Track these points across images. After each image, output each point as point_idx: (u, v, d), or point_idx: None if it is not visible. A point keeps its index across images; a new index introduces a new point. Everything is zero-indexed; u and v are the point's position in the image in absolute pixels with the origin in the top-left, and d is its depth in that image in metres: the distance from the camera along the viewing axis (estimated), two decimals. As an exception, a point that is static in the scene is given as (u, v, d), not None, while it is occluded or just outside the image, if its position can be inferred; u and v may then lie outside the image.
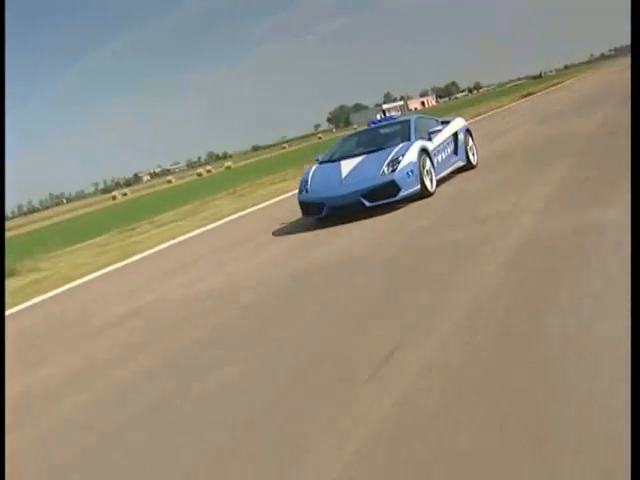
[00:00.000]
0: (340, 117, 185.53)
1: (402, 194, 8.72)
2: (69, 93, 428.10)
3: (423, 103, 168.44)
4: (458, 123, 11.32)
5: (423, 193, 8.98)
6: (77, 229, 27.85)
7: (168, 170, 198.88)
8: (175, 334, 5.25)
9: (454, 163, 10.61)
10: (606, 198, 5.83)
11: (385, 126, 10.72)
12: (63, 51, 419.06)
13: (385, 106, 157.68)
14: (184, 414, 3.55)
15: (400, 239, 6.80)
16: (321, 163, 10.03)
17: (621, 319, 3.00)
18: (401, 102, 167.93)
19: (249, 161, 77.87)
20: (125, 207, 41.87)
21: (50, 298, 8.79)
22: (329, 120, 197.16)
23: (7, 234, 48.00)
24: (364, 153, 9.56)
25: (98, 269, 10.30)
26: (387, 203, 8.70)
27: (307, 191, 9.25)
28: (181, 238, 11.83)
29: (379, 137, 10.29)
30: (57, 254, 14.81)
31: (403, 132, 9.88)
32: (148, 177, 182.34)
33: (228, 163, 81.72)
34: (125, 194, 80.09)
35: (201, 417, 3.45)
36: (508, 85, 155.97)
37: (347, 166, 9.23)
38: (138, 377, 4.38)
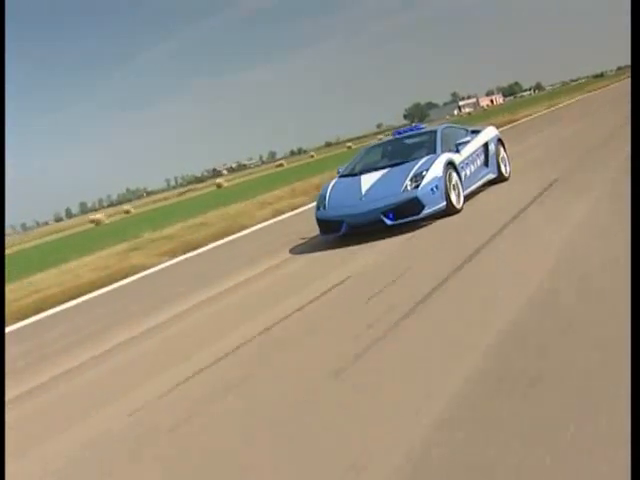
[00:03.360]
0: (415, 114, 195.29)
1: (426, 211, 8.10)
2: (119, 96, 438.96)
3: (492, 101, 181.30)
4: (489, 133, 10.62)
5: (449, 210, 8.34)
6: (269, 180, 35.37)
7: (244, 165, 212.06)
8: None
9: (484, 176, 9.94)
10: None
11: (410, 137, 10.09)
12: (120, 50, 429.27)
13: (461, 102, 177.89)
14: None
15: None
16: (341, 176, 9.47)
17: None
18: (474, 99, 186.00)
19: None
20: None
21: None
22: (405, 116, 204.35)
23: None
24: (387, 166, 8.96)
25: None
26: (410, 221, 8.12)
27: (325, 207, 8.69)
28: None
29: (403, 149, 9.68)
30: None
31: (429, 144, 9.25)
32: (225, 171, 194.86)
33: (349, 144, 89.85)
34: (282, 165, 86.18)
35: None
36: (572, 84, 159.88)
37: (368, 181, 8.64)
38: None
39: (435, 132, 9.55)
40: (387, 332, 4.20)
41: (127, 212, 59.69)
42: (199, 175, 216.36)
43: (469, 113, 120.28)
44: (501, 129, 15.70)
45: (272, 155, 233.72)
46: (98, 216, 56.81)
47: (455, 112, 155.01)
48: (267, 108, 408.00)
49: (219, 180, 68.26)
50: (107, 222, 51.15)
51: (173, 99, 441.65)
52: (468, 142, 9.54)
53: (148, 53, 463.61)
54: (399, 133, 10.58)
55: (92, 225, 52.39)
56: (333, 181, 9.29)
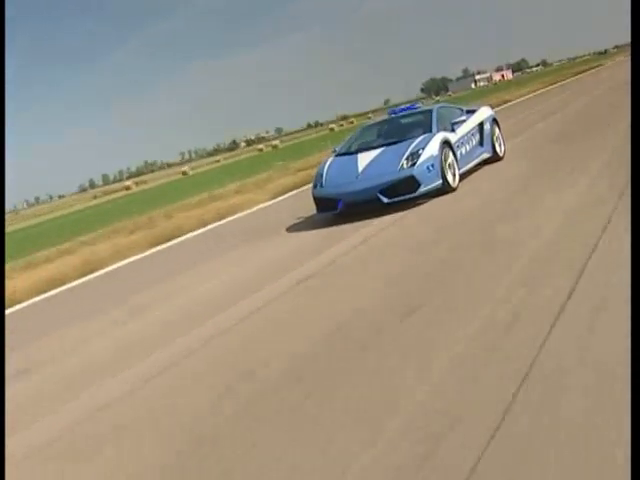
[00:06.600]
0: (432, 87, 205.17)
1: (422, 190, 8.20)
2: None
3: (503, 76, 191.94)
4: (484, 112, 10.70)
5: (445, 188, 8.44)
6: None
7: (263, 137, 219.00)
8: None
9: (479, 155, 10.02)
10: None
11: (406, 116, 10.15)
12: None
13: (477, 77, 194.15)
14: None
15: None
16: (338, 155, 9.54)
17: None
18: (487, 74, 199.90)
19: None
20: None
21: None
22: (422, 90, 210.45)
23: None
24: (383, 145, 9.03)
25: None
26: (406, 199, 8.21)
27: (322, 185, 8.77)
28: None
29: (400, 128, 9.74)
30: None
31: (425, 123, 9.31)
32: (244, 144, 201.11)
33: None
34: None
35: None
36: (578, 60, 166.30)
37: (364, 159, 8.72)
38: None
39: (431, 111, 9.61)
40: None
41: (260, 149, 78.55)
42: (210, 149, 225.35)
43: (495, 83, 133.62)
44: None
45: (279, 130, 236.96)
46: (260, 146, 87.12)
47: (472, 86, 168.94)
48: (274, 85, 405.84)
49: (332, 125, 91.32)
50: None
51: (172, 80, 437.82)
52: (463, 121, 9.62)
53: (139, 37, 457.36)
54: (394, 112, 10.63)
55: (257, 152, 73.79)
56: (330, 159, 9.35)
